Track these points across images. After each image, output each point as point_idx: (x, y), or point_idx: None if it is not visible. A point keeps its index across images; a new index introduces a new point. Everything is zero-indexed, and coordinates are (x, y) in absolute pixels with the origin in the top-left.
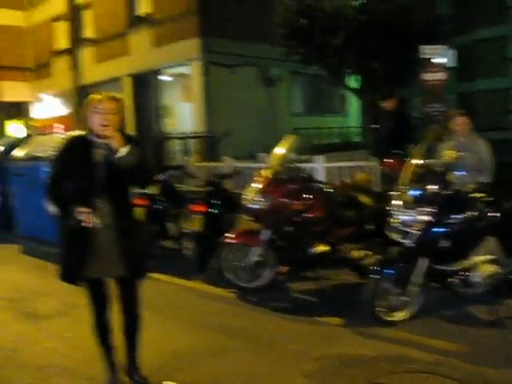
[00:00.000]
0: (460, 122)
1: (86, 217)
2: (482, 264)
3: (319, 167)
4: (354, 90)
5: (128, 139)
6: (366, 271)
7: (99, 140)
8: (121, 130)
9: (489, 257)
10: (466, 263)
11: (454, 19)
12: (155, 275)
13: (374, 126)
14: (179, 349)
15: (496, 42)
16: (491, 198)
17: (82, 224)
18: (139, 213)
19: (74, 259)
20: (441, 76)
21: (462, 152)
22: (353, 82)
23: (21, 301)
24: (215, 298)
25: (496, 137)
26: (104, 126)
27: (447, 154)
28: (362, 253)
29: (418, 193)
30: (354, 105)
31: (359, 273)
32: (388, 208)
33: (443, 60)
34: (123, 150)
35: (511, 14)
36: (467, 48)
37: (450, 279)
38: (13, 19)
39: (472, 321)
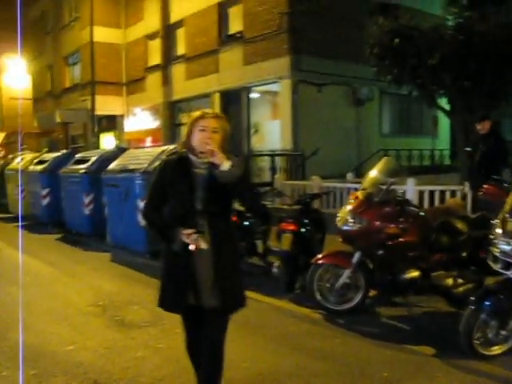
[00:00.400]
0: None
1: (193, 240)
2: None
3: (410, 190)
4: (446, 112)
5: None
6: (458, 300)
7: (199, 159)
8: (223, 149)
9: None
10: None
11: None
12: None
13: (467, 149)
14: (265, 369)
15: None
16: None
17: (190, 247)
18: None
19: (175, 286)
20: None
21: None
22: (445, 102)
23: (113, 308)
24: (302, 319)
25: None
26: (207, 144)
27: None
28: (455, 281)
29: None
30: (444, 126)
31: (451, 301)
32: (490, 236)
33: None
34: (227, 164)
35: None
36: None
37: None
38: (111, 37)
39: None
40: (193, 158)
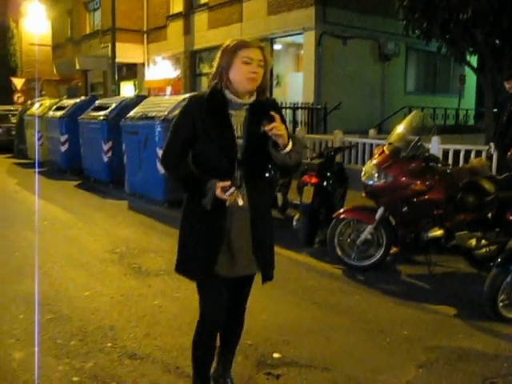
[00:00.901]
0: None
1: (230, 194)
2: None
3: (434, 148)
4: (475, 70)
5: (268, 105)
6: (481, 261)
7: (240, 100)
8: (263, 89)
9: None
10: None
11: None
12: None
13: (495, 110)
14: (283, 322)
15: None
16: None
17: (227, 204)
18: None
19: (205, 250)
20: None
21: None
22: (474, 60)
23: (129, 256)
24: (322, 273)
25: None
26: (254, 80)
27: None
28: (478, 242)
29: None
30: (470, 86)
31: (473, 262)
32: None
33: None
34: (289, 147)
35: None
36: None
37: None
38: None
39: None
40: (230, 95)
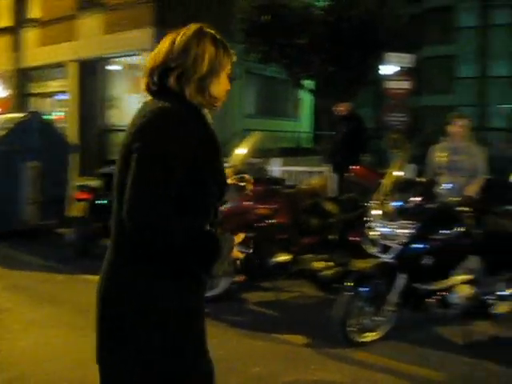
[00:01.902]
0: (460, 124)
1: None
2: (461, 284)
3: (275, 170)
4: (312, 92)
5: None
6: (326, 284)
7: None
8: None
9: (468, 276)
10: (445, 282)
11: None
12: (90, 277)
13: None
14: None
15: (443, 60)
16: (476, 213)
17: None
18: (80, 208)
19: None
20: (406, 85)
21: (456, 156)
22: (310, 85)
23: None
24: None
25: None
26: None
27: (439, 156)
28: (323, 264)
29: (400, 204)
30: (306, 110)
31: (319, 285)
32: (365, 219)
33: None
34: None
35: (458, 34)
36: (417, 64)
37: (426, 299)
38: None
39: (445, 344)
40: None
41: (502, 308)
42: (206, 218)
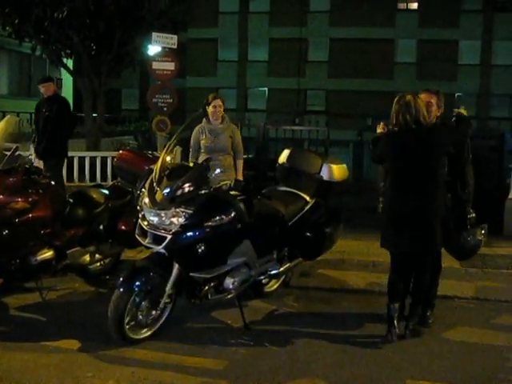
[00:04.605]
0: (214, 105)
1: None
2: (236, 268)
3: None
4: (72, 73)
5: None
6: (96, 277)
7: None
8: None
9: (241, 260)
10: (221, 269)
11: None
12: None
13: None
14: None
15: (207, 43)
16: (246, 196)
17: None
18: None
19: None
20: (171, 66)
21: (215, 136)
22: (71, 63)
23: None
24: None
25: None
26: None
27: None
28: (92, 257)
29: (170, 191)
30: (68, 91)
31: (89, 280)
32: (137, 208)
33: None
34: None
35: (221, 18)
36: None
37: (203, 287)
38: None
39: (224, 330)
40: None
41: (273, 285)
42: None
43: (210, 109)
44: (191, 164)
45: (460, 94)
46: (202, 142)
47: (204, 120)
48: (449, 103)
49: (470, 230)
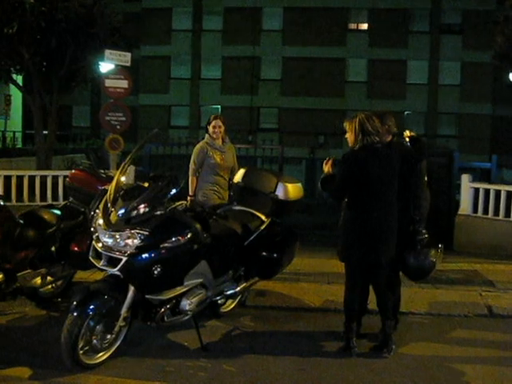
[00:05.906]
0: (215, 125)
1: None
2: (192, 289)
3: None
4: (22, 90)
5: None
6: (48, 301)
7: None
8: None
9: (198, 281)
10: (177, 290)
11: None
12: None
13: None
14: None
15: (160, 60)
16: (203, 216)
17: None
18: None
19: None
20: (124, 84)
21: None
22: (21, 80)
23: None
24: None
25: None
26: None
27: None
28: (43, 279)
29: (124, 212)
30: (17, 107)
31: (40, 303)
32: (91, 229)
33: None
34: None
35: (174, 36)
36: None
37: (159, 309)
38: None
39: (180, 351)
40: None
41: (230, 305)
42: None
43: (210, 128)
44: (146, 184)
45: (409, 112)
46: (216, 159)
47: (207, 138)
48: (398, 121)
49: (424, 251)
